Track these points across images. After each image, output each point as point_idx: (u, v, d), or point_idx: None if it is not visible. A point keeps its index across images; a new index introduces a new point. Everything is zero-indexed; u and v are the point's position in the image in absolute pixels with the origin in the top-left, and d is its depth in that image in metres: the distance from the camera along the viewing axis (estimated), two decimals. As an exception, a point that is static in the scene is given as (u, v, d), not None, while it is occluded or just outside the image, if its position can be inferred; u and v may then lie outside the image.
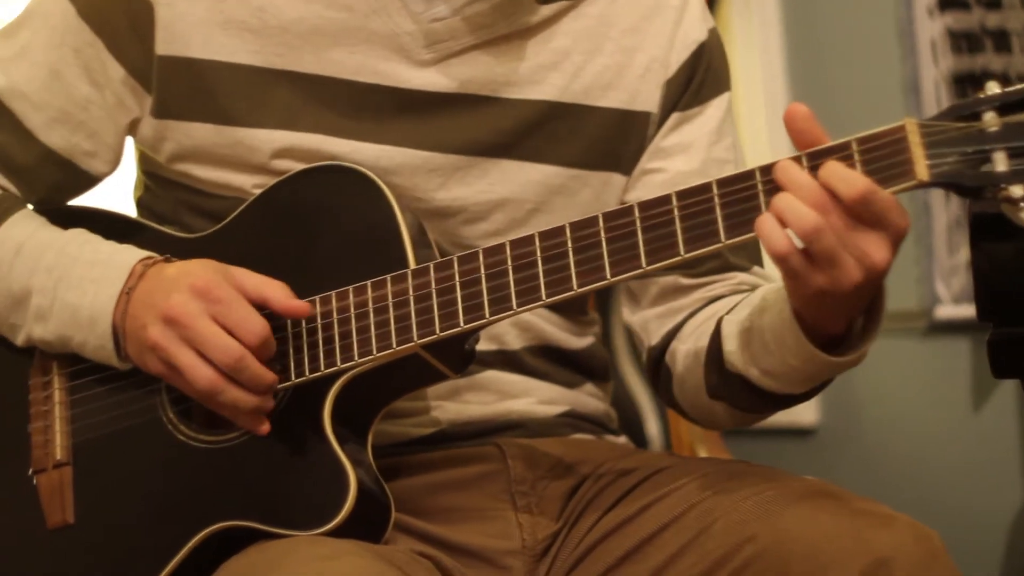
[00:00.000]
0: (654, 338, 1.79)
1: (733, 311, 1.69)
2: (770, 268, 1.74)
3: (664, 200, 1.51)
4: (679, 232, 1.50)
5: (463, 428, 1.77)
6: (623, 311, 1.83)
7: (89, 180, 1.78)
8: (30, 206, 1.78)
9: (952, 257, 3.04)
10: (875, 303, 1.54)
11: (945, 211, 3.05)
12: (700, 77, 1.79)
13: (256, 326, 1.58)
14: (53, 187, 1.77)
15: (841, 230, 1.42)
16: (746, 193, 1.48)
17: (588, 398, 1.87)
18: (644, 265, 1.52)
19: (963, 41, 2.99)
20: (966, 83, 2.99)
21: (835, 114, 3.21)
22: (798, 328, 1.53)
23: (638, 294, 1.81)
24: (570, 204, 1.77)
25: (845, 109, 3.11)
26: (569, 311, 1.83)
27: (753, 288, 1.79)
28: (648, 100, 1.77)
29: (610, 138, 1.77)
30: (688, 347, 1.74)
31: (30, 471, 1.71)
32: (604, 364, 1.91)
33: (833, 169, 1.43)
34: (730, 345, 1.64)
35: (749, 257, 1.79)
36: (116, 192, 1.97)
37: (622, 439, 1.90)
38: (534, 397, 1.81)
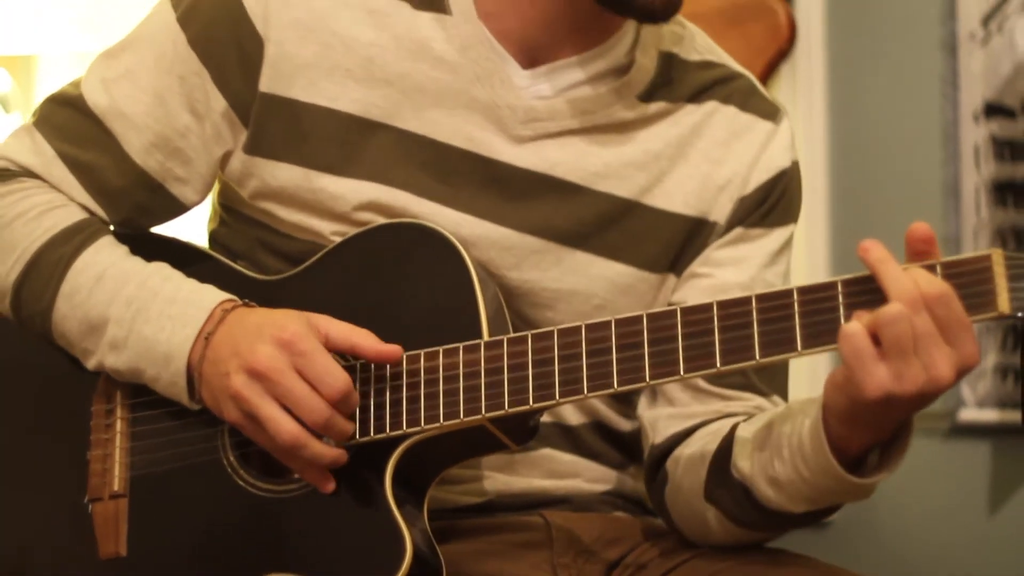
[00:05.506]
0: (659, 437, 1.78)
1: (751, 420, 1.69)
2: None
3: (743, 301, 1.52)
4: (756, 336, 1.50)
5: (511, 500, 1.78)
6: (639, 405, 1.81)
7: (176, 207, 1.79)
8: (112, 228, 1.79)
9: (980, 361, 3.06)
10: (897, 440, 1.54)
11: (976, 315, 3.06)
12: (772, 202, 1.80)
13: (338, 380, 1.58)
14: (138, 209, 1.78)
15: (921, 331, 1.42)
16: (827, 304, 1.49)
17: (630, 479, 1.87)
18: (718, 365, 1.52)
19: (1006, 149, 3.02)
20: (1007, 191, 3.02)
21: (873, 212, 3.25)
22: (823, 435, 1.52)
23: (658, 391, 1.79)
24: (634, 304, 1.77)
25: (884, 207, 3.14)
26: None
27: None
28: (721, 212, 1.78)
29: (680, 243, 1.78)
30: (693, 451, 1.73)
31: (86, 499, 1.73)
32: None
33: (920, 272, 1.45)
34: (741, 450, 1.64)
35: (773, 384, 1.78)
36: (187, 223, 1.97)
37: (659, 520, 1.91)
38: (582, 477, 1.82)
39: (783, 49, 3.16)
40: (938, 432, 3.16)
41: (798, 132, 3.38)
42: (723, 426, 1.71)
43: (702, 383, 1.74)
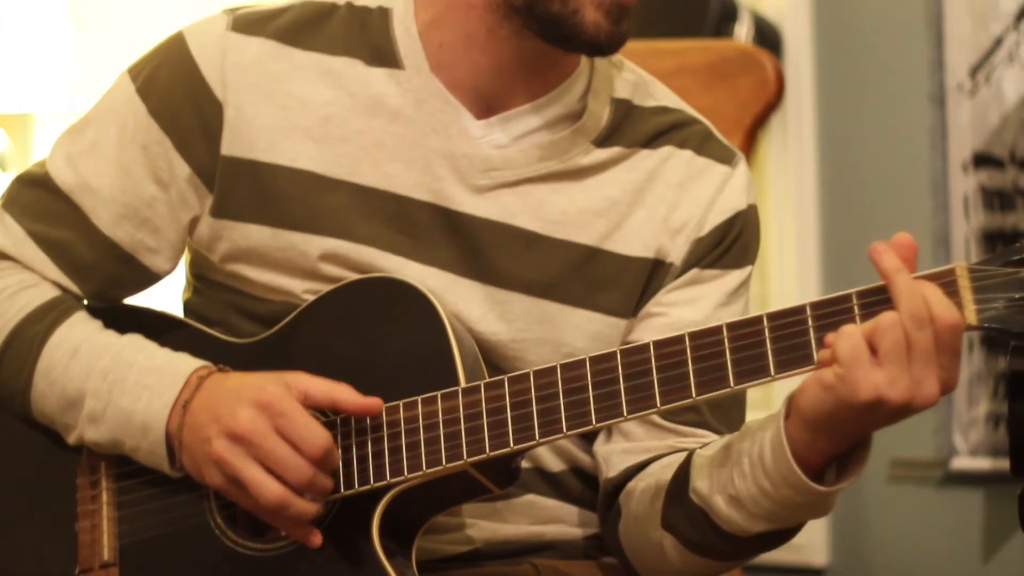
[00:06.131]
0: (613, 471, 1.78)
1: (707, 446, 1.70)
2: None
3: (715, 331, 1.54)
4: (729, 364, 1.52)
5: (497, 547, 1.79)
6: (595, 441, 1.81)
7: (148, 277, 1.80)
8: (86, 301, 1.80)
9: (971, 410, 3.08)
10: (854, 454, 1.56)
11: (968, 364, 3.08)
12: (728, 243, 1.80)
13: (319, 439, 1.60)
14: (111, 281, 1.79)
15: (920, 347, 1.44)
16: (797, 328, 1.51)
17: None
18: (694, 395, 1.54)
19: (995, 199, 3.04)
20: (996, 240, 3.03)
21: (864, 262, 3.26)
22: (785, 443, 1.54)
23: (614, 427, 1.79)
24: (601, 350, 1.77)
25: (874, 257, 3.15)
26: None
27: None
28: (677, 253, 1.79)
29: (640, 286, 1.79)
30: (648, 483, 1.73)
31: (76, 570, 1.74)
32: None
33: (932, 289, 1.47)
34: (699, 471, 1.65)
35: (728, 422, 1.78)
36: (162, 294, 1.99)
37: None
38: (565, 522, 1.83)
39: (772, 102, 3.18)
40: (931, 480, 3.17)
41: (789, 183, 3.44)
42: (678, 457, 1.72)
43: (657, 418, 1.75)
